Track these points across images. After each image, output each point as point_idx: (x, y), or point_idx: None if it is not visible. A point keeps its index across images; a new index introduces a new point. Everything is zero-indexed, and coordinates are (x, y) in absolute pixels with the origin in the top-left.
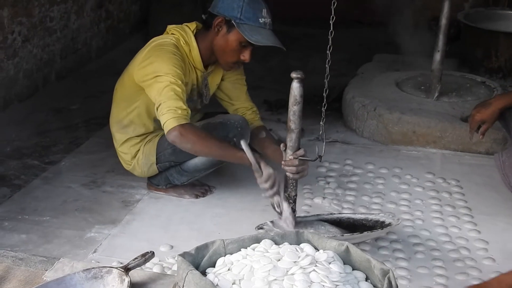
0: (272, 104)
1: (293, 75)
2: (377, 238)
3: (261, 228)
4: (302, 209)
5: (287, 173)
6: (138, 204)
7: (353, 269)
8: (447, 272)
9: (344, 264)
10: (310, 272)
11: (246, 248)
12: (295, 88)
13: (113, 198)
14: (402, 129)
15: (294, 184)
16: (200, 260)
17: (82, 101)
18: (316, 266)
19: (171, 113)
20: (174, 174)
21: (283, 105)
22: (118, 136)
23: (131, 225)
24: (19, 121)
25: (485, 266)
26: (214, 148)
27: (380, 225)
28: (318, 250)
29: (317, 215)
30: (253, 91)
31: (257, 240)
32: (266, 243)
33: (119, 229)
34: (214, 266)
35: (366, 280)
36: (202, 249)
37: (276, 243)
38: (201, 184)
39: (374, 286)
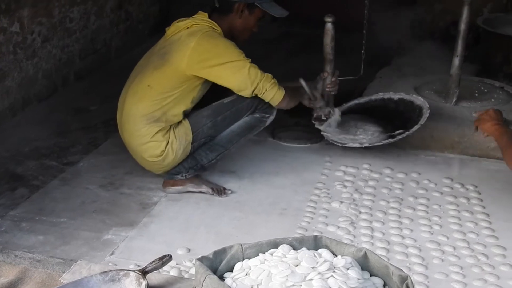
0: None
1: (327, 19)
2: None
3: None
4: (320, 213)
5: (331, 93)
6: (156, 206)
7: (371, 275)
8: (464, 279)
9: (362, 270)
10: (328, 278)
11: (264, 253)
12: (330, 28)
13: (131, 200)
14: (420, 134)
15: (332, 96)
16: (218, 265)
17: (101, 101)
18: (334, 272)
19: (274, 86)
20: (203, 153)
21: (303, 107)
22: (149, 129)
23: (148, 228)
24: (38, 121)
25: (503, 272)
26: (297, 95)
27: (389, 101)
28: (336, 256)
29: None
30: None
31: (275, 245)
32: (284, 248)
33: (137, 232)
34: (232, 271)
35: (384, 287)
36: (220, 253)
37: (294, 248)
38: (216, 184)
39: None
